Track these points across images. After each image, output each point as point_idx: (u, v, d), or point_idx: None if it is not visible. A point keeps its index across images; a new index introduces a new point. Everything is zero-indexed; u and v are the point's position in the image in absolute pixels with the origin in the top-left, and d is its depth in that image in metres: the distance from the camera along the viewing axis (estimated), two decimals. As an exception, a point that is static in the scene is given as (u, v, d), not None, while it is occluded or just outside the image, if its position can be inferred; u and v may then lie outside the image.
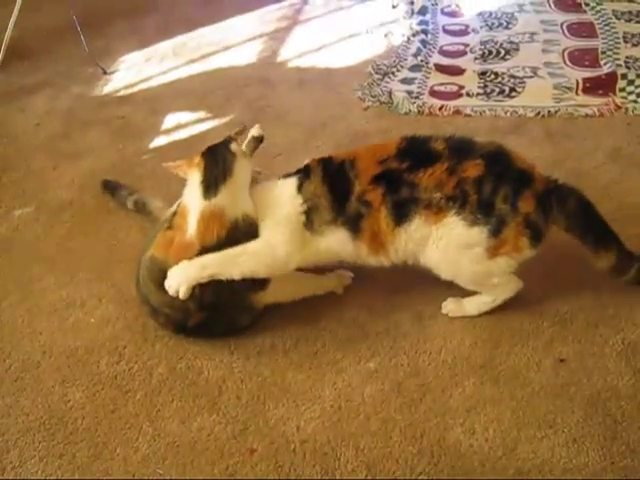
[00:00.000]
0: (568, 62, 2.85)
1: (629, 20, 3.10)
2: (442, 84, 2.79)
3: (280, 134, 2.52)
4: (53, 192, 2.34)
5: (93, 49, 3.08)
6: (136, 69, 3.08)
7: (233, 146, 1.78)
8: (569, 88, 2.67)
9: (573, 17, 3.17)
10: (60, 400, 1.66)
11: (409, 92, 2.73)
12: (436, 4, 3.40)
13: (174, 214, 1.76)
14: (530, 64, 2.84)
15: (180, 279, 1.66)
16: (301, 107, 2.72)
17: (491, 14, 3.27)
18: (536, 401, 1.58)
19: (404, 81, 2.82)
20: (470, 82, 2.78)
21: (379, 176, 1.68)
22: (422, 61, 2.93)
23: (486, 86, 2.74)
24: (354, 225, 1.69)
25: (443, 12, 3.35)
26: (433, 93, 2.73)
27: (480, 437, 1.52)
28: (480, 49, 3.00)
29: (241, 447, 1.53)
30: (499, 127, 2.49)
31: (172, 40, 3.28)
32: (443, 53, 3.02)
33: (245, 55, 3.13)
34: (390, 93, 2.70)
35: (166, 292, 1.67)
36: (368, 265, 1.76)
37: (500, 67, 2.86)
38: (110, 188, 2.25)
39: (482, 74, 2.81)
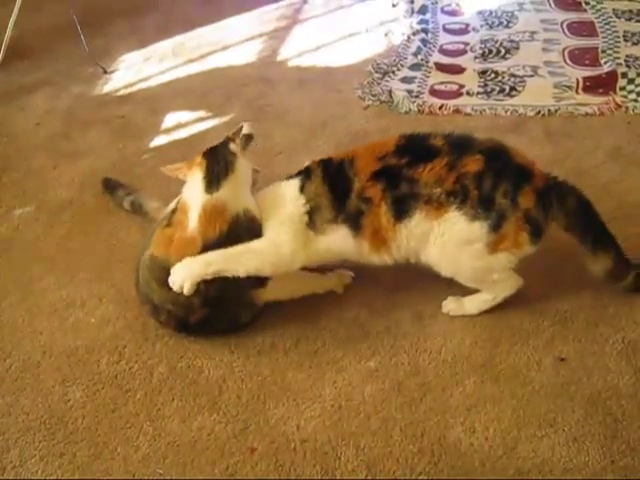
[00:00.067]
0: (568, 61, 2.85)
1: (629, 19, 3.09)
2: (442, 83, 2.79)
3: (280, 133, 2.53)
4: (53, 192, 2.34)
5: (93, 48, 3.08)
6: (136, 68, 3.08)
7: (232, 146, 1.81)
8: (569, 87, 2.67)
9: (573, 16, 3.17)
10: (60, 399, 1.66)
11: (409, 91, 2.73)
12: (436, 3, 3.40)
13: (173, 211, 1.77)
14: (530, 63, 2.84)
15: (184, 275, 1.66)
16: (301, 106, 2.71)
17: (491, 13, 3.27)
18: (536, 400, 1.58)
19: (404, 80, 2.82)
20: (470, 81, 2.78)
21: (378, 172, 1.69)
22: (422, 60, 2.93)
23: (486, 85, 2.74)
24: (355, 222, 1.70)
25: (443, 11, 3.35)
26: (433, 92, 2.73)
27: (480, 436, 1.52)
28: (480, 48, 2.99)
29: (241, 446, 1.53)
30: (499, 126, 2.49)
31: (172, 39, 3.28)
32: (443, 52, 3.02)
33: (245, 54, 3.13)
34: (390, 92, 2.70)
35: (169, 289, 1.67)
36: (371, 264, 1.76)
37: (500, 66, 2.85)
38: (110, 187, 2.25)
39: (482, 73, 2.81)
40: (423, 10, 3.32)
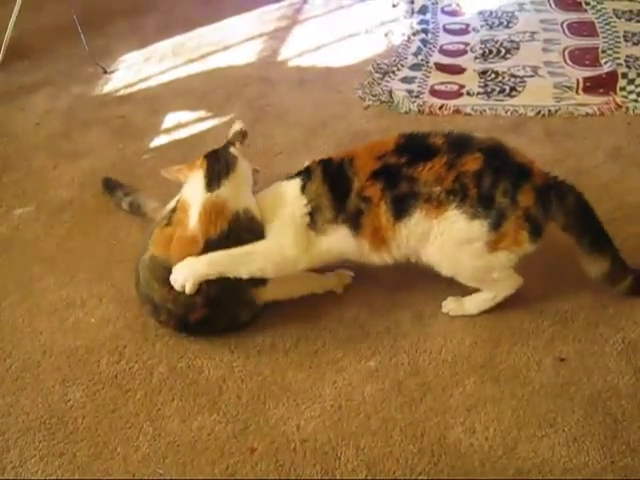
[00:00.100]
0: (568, 61, 2.85)
1: (630, 19, 3.09)
2: (442, 83, 2.79)
3: (280, 133, 2.53)
4: (53, 191, 2.34)
5: (93, 48, 3.08)
6: (136, 68, 3.08)
7: (233, 149, 1.83)
8: (569, 87, 2.67)
9: (573, 16, 3.17)
10: (60, 399, 1.66)
11: (409, 91, 2.73)
12: (436, 3, 3.40)
13: (172, 211, 1.77)
14: (530, 63, 2.84)
15: (186, 274, 1.66)
16: (301, 106, 2.71)
17: (491, 13, 3.27)
18: (536, 400, 1.58)
19: (404, 80, 2.82)
20: (470, 81, 2.78)
21: (377, 171, 1.69)
22: (422, 60, 2.93)
23: (486, 85, 2.74)
24: (355, 222, 1.70)
25: (443, 11, 3.35)
26: (433, 92, 2.73)
27: (480, 436, 1.52)
28: (480, 48, 2.99)
29: (241, 446, 1.53)
30: (499, 126, 2.49)
31: (172, 39, 3.28)
32: (443, 52, 3.02)
33: (245, 54, 3.13)
34: (390, 92, 2.70)
35: (171, 288, 1.67)
36: (372, 263, 1.76)
37: (500, 66, 2.85)
38: (110, 188, 2.25)
39: (482, 73, 2.81)
40: (423, 10, 3.32)
